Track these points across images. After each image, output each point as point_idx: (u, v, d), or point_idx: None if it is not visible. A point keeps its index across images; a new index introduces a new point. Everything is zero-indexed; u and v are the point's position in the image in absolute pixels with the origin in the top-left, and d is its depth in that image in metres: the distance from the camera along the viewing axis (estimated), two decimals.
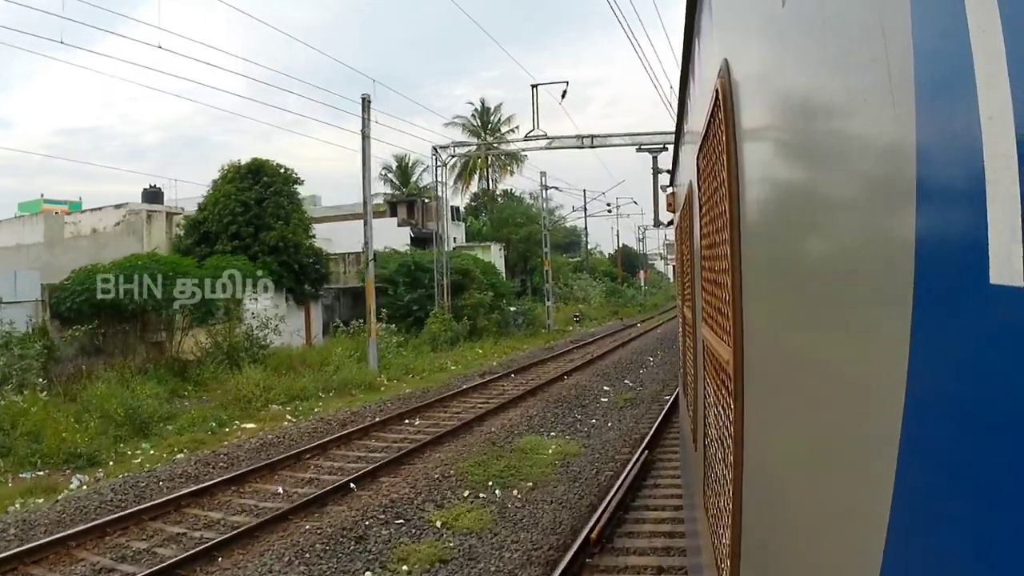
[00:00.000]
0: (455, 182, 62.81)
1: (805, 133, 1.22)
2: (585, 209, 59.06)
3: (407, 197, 57.83)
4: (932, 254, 0.64)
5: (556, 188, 39.71)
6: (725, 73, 2.04)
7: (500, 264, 54.30)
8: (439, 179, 32.26)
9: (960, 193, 0.58)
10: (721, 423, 2.44)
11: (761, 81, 1.60)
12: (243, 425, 17.22)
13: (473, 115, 61.71)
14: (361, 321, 27.48)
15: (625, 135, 29.15)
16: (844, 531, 0.93)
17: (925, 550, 0.66)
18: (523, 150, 30.71)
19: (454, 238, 56.99)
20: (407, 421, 16.75)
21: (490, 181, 62.26)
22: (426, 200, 57.57)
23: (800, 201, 1.28)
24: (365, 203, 23.85)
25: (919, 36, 0.66)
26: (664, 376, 22.70)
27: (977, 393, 0.57)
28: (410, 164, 62.62)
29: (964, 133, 0.55)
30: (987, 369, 0.55)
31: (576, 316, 39.43)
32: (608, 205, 39.41)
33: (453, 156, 32.11)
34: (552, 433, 15.08)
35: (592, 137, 29.54)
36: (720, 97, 2.06)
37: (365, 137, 23.87)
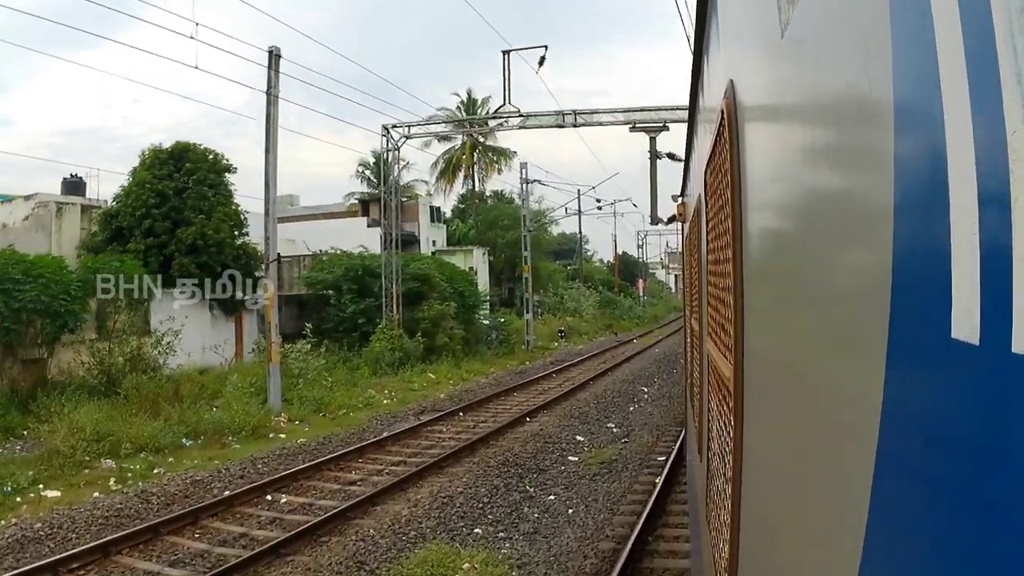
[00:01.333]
0: (437, 181, 57.31)
1: (803, 157, 1.22)
2: (579, 211, 53.44)
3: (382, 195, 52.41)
4: (903, 296, 0.67)
5: (539, 181, 34.15)
6: (731, 94, 2.09)
7: (484, 271, 48.75)
8: (390, 161, 26.61)
9: (929, 242, 0.61)
10: (722, 437, 2.48)
11: (763, 104, 1.65)
12: (46, 493, 11.66)
13: (458, 107, 56.26)
14: (308, 334, 22.05)
15: (616, 111, 23.53)
16: (838, 549, 0.93)
17: (908, 567, 0.68)
18: (492, 130, 25.06)
19: (433, 241, 51.54)
20: (266, 499, 11.04)
21: (476, 180, 56.71)
22: (405, 198, 52.21)
23: (799, 222, 1.29)
24: (267, 185, 18.25)
25: (898, 78, 0.69)
26: (661, 417, 16.99)
27: (951, 415, 0.58)
28: (389, 160, 57.28)
29: (934, 170, 0.58)
30: (958, 398, 0.57)
31: (561, 331, 33.79)
32: (598, 201, 34.00)
33: (407, 137, 26.45)
34: (475, 532, 9.37)
35: (575, 114, 23.92)
36: (725, 117, 2.12)
37: (272, 98, 18.31)
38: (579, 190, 33.99)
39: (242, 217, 27.91)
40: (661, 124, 23.05)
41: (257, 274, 28.65)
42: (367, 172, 58.74)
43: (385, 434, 15.30)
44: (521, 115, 24.38)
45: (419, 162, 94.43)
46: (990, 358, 0.50)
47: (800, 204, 1.27)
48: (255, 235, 40.32)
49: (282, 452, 13.88)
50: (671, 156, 22.57)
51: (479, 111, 57.19)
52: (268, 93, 18.44)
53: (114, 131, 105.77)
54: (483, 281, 48.41)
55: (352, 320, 27.48)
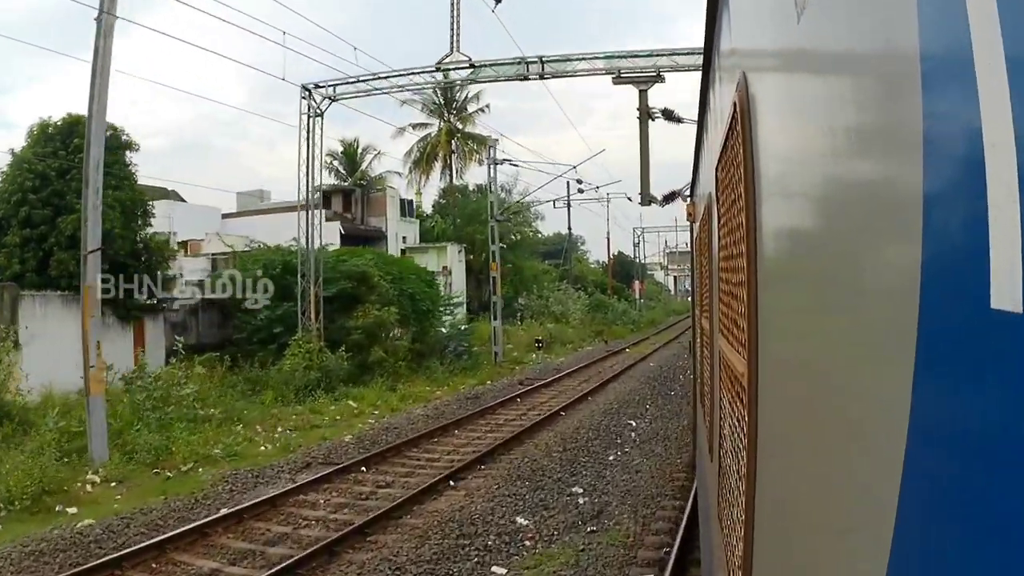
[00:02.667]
0: (411, 171, 51.85)
1: (821, 148, 1.18)
2: (568, 200, 47.91)
3: (346, 186, 46.98)
4: (937, 272, 0.65)
5: (509, 161, 28.52)
6: (743, 87, 2.06)
7: (460, 270, 43.34)
8: (308, 130, 21.03)
9: (965, 215, 0.59)
10: (736, 435, 2.45)
11: (777, 95, 1.63)
12: None
13: (435, 91, 50.84)
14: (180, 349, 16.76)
15: (595, 56, 18.03)
16: (856, 546, 0.94)
17: (934, 566, 0.67)
18: (438, 85, 19.53)
19: (403, 237, 46.06)
20: None
21: (453, 171, 51.18)
22: (377, 190, 46.82)
23: (816, 215, 1.27)
24: (88, 145, 12.73)
25: (926, 56, 0.67)
26: (653, 476, 11.49)
27: (981, 413, 0.57)
28: (359, 151, 52.17)
29: (967, 150, 0.56)
30: (989, 391, 0.56)
31: (539, 341, 28.22)
32: (579, 183, 28.15)
33: (331, 99, 20.91)
34: None
35: (542, 61, 18.40)
36: (738, 110, 2.10)
37: (105, 24, 12.79)
38: (569, 183, 28.47)
39: (147, 206, 22.47)
40: (653, 73, 17.52)
41: (170, 272, 23.46)
42: (335, 163, 53.60)
43: (223, 511, 9.79)
44: (472, 65, 18.87)
45: (391, 151, 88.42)
46: None
47: (819, 194, 1.21)
48: (191, 228, 34.67)
49: (43, 546, 8.38)
50: (667, 115, 17.01)
51: (456, 95, 51.94)
52: (100, 17, 12.92)
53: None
54: (459, 282, 42.97)
55: (268, 329, 21.98)
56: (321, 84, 21.28)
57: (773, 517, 1.68)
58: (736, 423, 2.45)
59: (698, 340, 7.27)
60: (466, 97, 51.71)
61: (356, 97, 21.16)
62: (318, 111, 21.50)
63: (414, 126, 51.65)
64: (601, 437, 14.33)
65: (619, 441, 14.13)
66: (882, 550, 0.75)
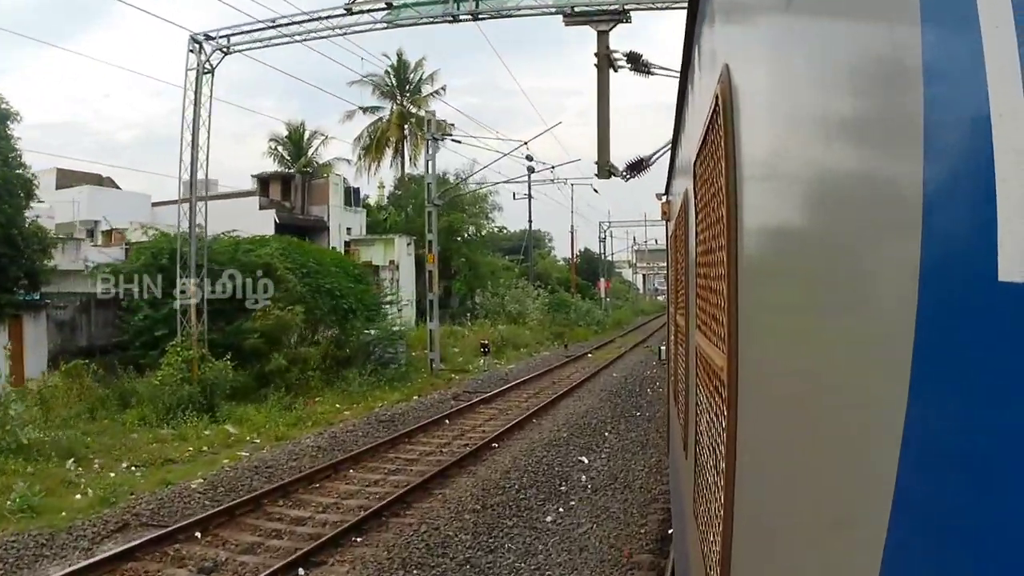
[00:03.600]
0: (360, 158, 47.70)
1: (807, 136, 1.18)
2: (529, 194, 44.20)
3: (285, 172, 42.80)
4: (938, 257, 0.64)
5: (451, 135, 24.52)
6: (726, 78, 2.03)
7: (409, 264, 39.40)
8: (196, 89, 16.93)
9: (969, 193, 0.58)
10: (713, 430, 2.45)
11: (762, 86, 1.60)
12: None
13: (387, 72, 46.77)
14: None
15: None
16: (839, 540, 0.93)
17: (925, 561, 0.66)
18: (350, 31, 15.58)
19: (348, 228, 41.95)
20: None
21: (405, 158, 47.06)
22: (323, 176, 42.67)
23: (800, 207, 1.26)
24: None
25: (928, 36, 0.65)
26: (605, 554, 7.77)
27: (984, 399, 0.56)
28: (306, 136, 48.06)
29: (973, 132, 0.55)
30: (994, 372, 0.55)
31: (484, 345, 24.35)
32: (529, 159, 24.01)
33: (224, 51, 16.87)
34: None
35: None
36: (720, 102, 2.07)
37: None
38: (531, 168, 24.39)
39: (32, 184, 18.29)
40: (616, 10, 13.80)
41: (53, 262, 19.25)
42: (280, 148, 49.35)
43: None
44: (389, 4, 14.98)
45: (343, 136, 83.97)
46: None
47: (804, 186, 1.20)
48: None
49: None
50: (634, 61, 13.29)
51: (410, 75, 47.93)
52: None
53: (86, 126, 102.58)
54: (408, 277, 39.01)
55: (151, 331, 17.95)
56: (212, 34, 17.23)
57: (753, 511, 1.66)
58: (714, 418, 2.46)
59: (672, 338, 7.21)
60: (420, 78, 47.78)
61: (254, 48, 17.13)
62: (208, 66, 17.43)
63: (365, 109, 47.55)
64: (540, 483, 10.56)
65: (563, 489, 10.40)
66: (876, 544, 0.73)
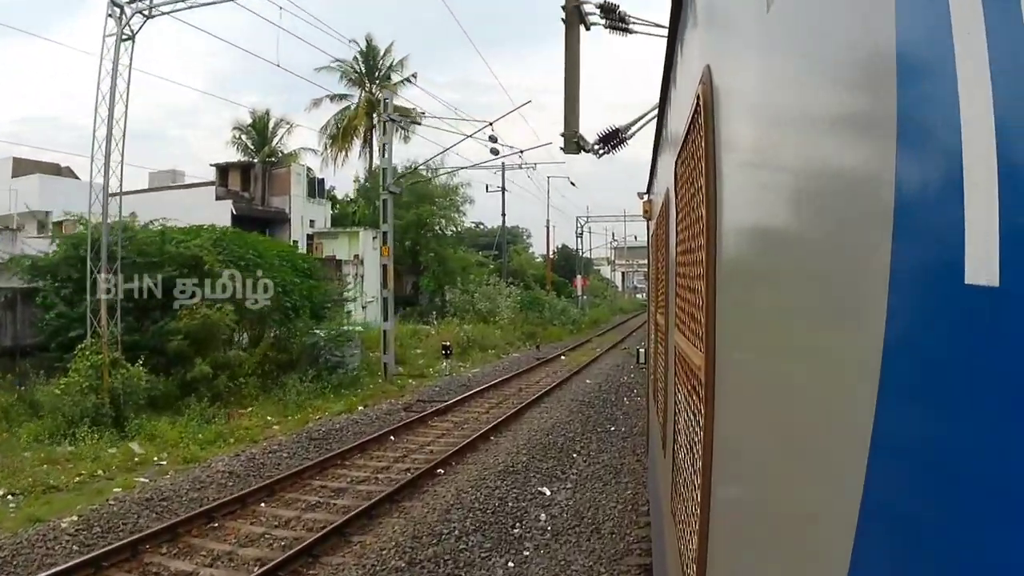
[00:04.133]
0: (328, 148, 45.40)
1: (785, 138, 1.21)
2: (503, 180, 42.23)
3: (245, 161, 40.52)
4: (908, 259, 0.66)
5: (409, 117, 22.34)
6: (707, 79, 2.05)
7: (374, 259, 37.22)
8: (114, 59, 14.77)
9: (938, 197, 0.60)
10: (691, 428, 2.47)
11: (742, 87, 1.61)
12: None
13: (355, 58, 44.49)
14: None
15: None
16: (810, 535, 0.94)
17: (892, 556, 0.67)
18: None
19: (311, 221, 39.78)
20: None
21: (374, 149, 44.70)
22: (282, 165, 40.46)
23: (776, 206, 1.27)
24: None
25: (903, 41, 0.67)
26: None
27: (953, 396, 0.57)
28: (271, 124, 45.82)
29: (945, 136, 0.57)
30: (959, 373, 0.56)
31: (446, 347, 22.31)
32: (493, 140, 21.84)
33: (146, 13, 14.69)
34: None
35: None
36: (701, 103, 2.09)
37: None
38: (495, 150, 22.22)
39: None
40: None
41: None
42: (243, 137, 47.00)
43: None
44: None
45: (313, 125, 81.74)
46: (1013, 297, 0.50)
47: (783, 186, 1.22)
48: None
49: None
50: (608, 15, 11.33)
51: (379, 62, 45.70)
52: None
53: (68, 120, 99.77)
54: (374, 273, 36.90)
55: (66, 331, 15.79)
56: None
57: (729, 508, 1.68)
58: (691, 416, 2.48)
59: (652, 336, 7.00)
60: (391, 65, 45.54)
61: (180, 9, 15.00)
62: (128, 32, 15.26)
63: (332, 97, 45.25)
64: (488, 525, 8.61)
65: (517, 532, 8.47)
66: (846, 539, 0.74)
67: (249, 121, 46.45)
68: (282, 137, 46.66)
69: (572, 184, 45.41)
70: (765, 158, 1.35)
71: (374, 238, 37.91)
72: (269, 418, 14.76)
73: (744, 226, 1.62)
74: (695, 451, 2.25)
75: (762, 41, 1.35)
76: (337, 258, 35.86)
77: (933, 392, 0.60)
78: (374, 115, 44.27)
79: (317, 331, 18.95)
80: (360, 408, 16.01)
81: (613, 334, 38.54)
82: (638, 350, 23.99)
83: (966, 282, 0.53)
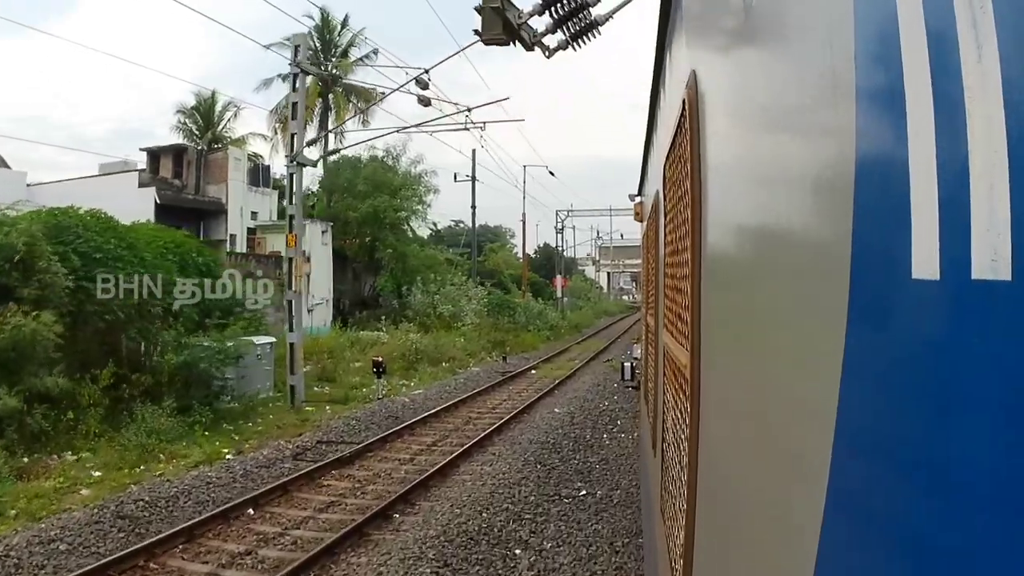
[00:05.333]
0: (277, 132, 40.59)
1: (764, 142, 1.23)
2: (473, 170, 37.67)
3: (178, 144, 35.75)
4: (865, 257, 0.70)
5: (340, 76, 17.62)
6: (693, 84, 2.09)
7: (324, 256, 32.71)
8: None
9: (890, 199, 0.63)
10: (678, 426, 2.51)
11: (725, 92, 1.65)
12: None
13: (310, 34, 39.66)
14: None
15: None
16: (783, 527, 0.97)
17: (858, 550, 0.69)
18: None
19: (253, 212, 35.07)
20: None
21: (329, 134, 39.87)
22: (217, 148, 35.92)
23: (756, 207, 1.30)
24: None
25: (860, 52, 0.72)
26: None
27: (907, 388, 0.61)
28: (218, 107, 41.21)
29: (895, 143, 0.62)
30: (917, 361, 0.60)
31: (378, 364, 17.48)
32: (422, 88, 16.87)
33: None
34: None
35: None
36: (687, 107, 2.14)
37: None
38: (425, 100, 17.43)
39: None
40: None
41: None
42: (187, 122, 42.27)
43: None
44: None
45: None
46: (950, 289, 0.55)
47: (762, 188, 1.24)
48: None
49: None
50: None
51: (337, 37, 40.93)
52: None
53: (57, 120, 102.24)
54: (323, 271, 32.27)
55: None
56: None
57: (712, 504, 1.70)
58: (679, 414, 2.50)
59: (645, 338, 7.14)
60: (350, 41, 40.75)
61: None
62: None
63: (284, 77, 40.37)
64: None
65: None
66: (813, 534, 0.77)
67: (193, 103, 41.85)
68: (229, 121, 42.07)
69: (551, 174, 41.03)
70: (747, 160, 1.37)
71: (323, 231, 33.30)
72: (96, 473, 10.15)
73: (727, 227, 1.64)
74: (682, 448, 2.30)
75: (743, 46, 1.41)
76: (282, 255, 31.25)
77: (891, 385, 0.64)
78: (329, 95, 39.64)
79: (205, 343, 14.23)
80: (229, 457, 11.33)
81: (595, 341, 34.02)
82: (623, 364, 18.95)
83: (913, 277, 0.58)
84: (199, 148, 35.00)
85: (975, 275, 0.51)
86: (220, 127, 41.62)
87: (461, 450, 11.56)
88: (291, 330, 15.18)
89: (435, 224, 61.37)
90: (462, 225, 80.00)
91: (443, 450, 11.93)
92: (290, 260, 15.35)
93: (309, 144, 16.16)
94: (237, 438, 12.63)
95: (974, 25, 0.52)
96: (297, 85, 15.71)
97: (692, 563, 1.94)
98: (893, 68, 0.62)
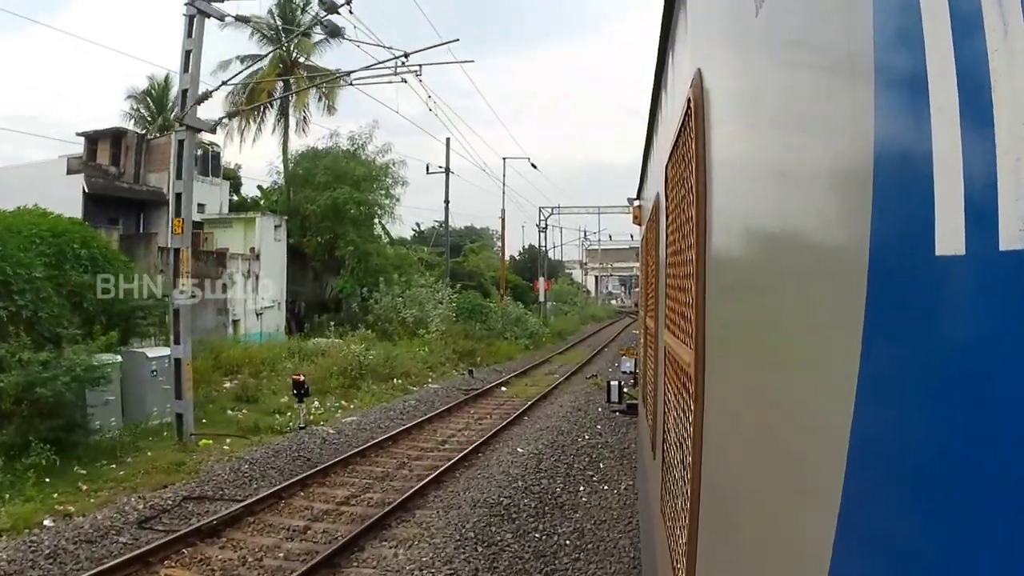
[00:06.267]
0: (234, 117, 36.96)
1: (773, 140, 1.22)
2: (447, 158, 34.29)
3: (116, 128, 32.18)
4: (885, 242, 0.69)
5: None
6: (698, 83, 2.08)
7: (277, 253, 29.40)
8: None
9: (912, 180, 0.63)
10: (681, 426, 2.48)
11: (732, 90, 1.65)
12: None
13: (270, 12, 36.09)
14: None
15: None
16: (795, 529, 0.95)
17: (873, 548, 0.68)
18: None
19: (200, 204, 31.44)
20: None
21: (290, 120, 36.31)
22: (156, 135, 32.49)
23: (765, 205, 1.28)
24: None
25: (880, 41, 0.70)
26: None
27: (931, 375, 0.59)
28: (172, 90, 37.73)
29: (917, 124, 0.61)
30: (939, 343, 0.59)
31: (299, 384, 13.99)
32: (328, 11, 13.41)
33: None
34: None
35: None
36: (692, 106, 2.11)
37: None
38: (334, 29, 13.74)
39: None
40: None
41: None
42: (139, 108, 39.00)
43: None
44: None
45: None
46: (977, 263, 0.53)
47: (771, 185, 1.22)
48: None
49: None
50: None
51: (299, 16, 37.39)
52: None
53: (47, 117, 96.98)
54: (275, 270, 28.89)
55: None
56: None
57: (718, 503, 1.68)
58: (681, 414, 2.47)
59: (643, 340, 7.11)
60: (315, 18, 37.16)
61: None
62: None
63: (242, 59, 36.86)
64: None
65: None
66: (828, 532, 0.75)
67: (144, 87, 38.52)
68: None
69: (533, 166, 37.67)
70: (755, 160, 1.36)
71: (276, 226, 29.86)
72: None
73: (734, 226, 1.63)
74: (685, 448, 2.26)
75: (752, 45, 1.38)
76: (230, 252, 27.80)
77: (909, 391, 0.62)
78: (291, 79, 36.07)
79: (57, 363, 10.73)
80: (48, 521, 7.90)
81: (580, 350, 30.68)
82: (609, 383, 15.58)
83: (937, 254, 0.56)
84: (141, 132, 31.42)
85: (1003, 246, 0.50)
86: (175, 112, 38.24)
87: (376, 516, 8.16)
88: (176, 342, 11.69)
89: (418, 224, 57.98)
90: (448, 227, 76.61)
91: (353, 514, 8.55)
92: (175, 252, 11.84)
93: (201, 101, 12.64)
94: (85, 488, 9.23)
95: (999, 3, 0.51)
96: (194, 30, 12.29)
97: (696, 563, 1.93)
98: (915, 49, 0.60)
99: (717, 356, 1.81)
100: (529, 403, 16.28)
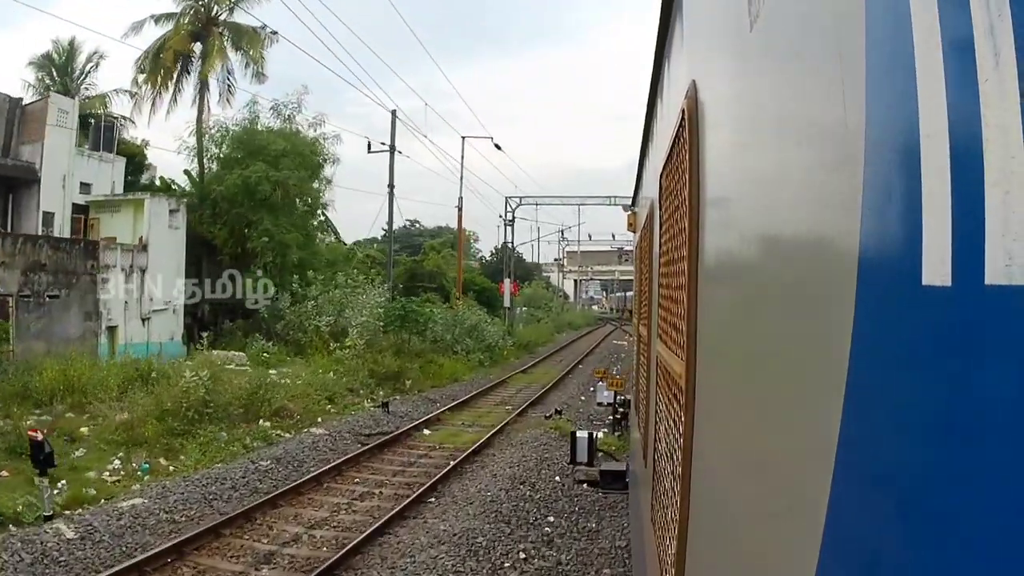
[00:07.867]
0: (140, 87, 30.81)
1: (766, 155, 1.22)
2: (393, 135, 28.44)
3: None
4: (872, 266, 0.69)
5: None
6: (692, 94, 2.09)
7: (174, 244, 23.45)
8: None
9: (900, 207, 0.64)
10: (671, 436, 2.47)
11: (726, 103, 1.65)
12: None
13: None
14: None
15: None
16: (783, 539, 0.96)
17: (859, 560, 0.69)
18: None
19: (85, 183, 25.30)
20: None
21: (209, 89, 30.17)
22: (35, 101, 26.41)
23: (756, 218, 1.29)
24: None
25: (871, 59, 0.71)
26: None
27: (914, 398, 0.60)
28: (77, 55, 32.23)
29: (907, 150, 0.61)
30: (922, 370, 0.60)
31: (36, 446, 8.59)
32: None
33: None
34: None
35: None
36: (686, 117, 2.12)
37: None
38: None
39: None
40: None
41: None
42: (41, 75, 33.11)
43: None
44: None
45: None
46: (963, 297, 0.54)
47: (763, 197, 1.23)
48: None
49: None
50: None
51: None
52: None
53: None
54: (170, 268, 22.94)
55: None
56: None
57: (706, 512, 1.69)
58: (672, 424, 2.47)
59: (636, 348, 7.16)
60: None
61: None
62: None
63: (157, 19, 30.80)
64: None
65: None
66: (813, 542, 0.77)
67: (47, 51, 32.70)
68: (88, 73, 33.00)
69: (497, 147, 32.02)
70: (747, 174, 1.36)
71: (172, 210, 23.90)
72: None
73: (726, 240, 1.62)
74: (675, 458, 2.26)
75: (745, 58, 1.39)
76: (109, 242, 21.86)
77: (894, 412, 0.63)
78: (213, 40, 30.05)
79: None
80: None
81: (548, 367, 25.01)
82: (574, 435, 9.97)
83: (923, 284, 0.57)
84: (10, 97, 25.32)
85: (988, 280, 0.51)
86: (82, 80, 32.61)
87: None
88: None
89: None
90: (419, 225, 70.61)
91: None
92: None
93: None
94: None
95: (991, 32, 0.51)
96: None
97: (684, 572, 1.93)
98: (906, 75, 0.61)
99: (708, 369, 1.82)
100: (453, 463, 10.58)
